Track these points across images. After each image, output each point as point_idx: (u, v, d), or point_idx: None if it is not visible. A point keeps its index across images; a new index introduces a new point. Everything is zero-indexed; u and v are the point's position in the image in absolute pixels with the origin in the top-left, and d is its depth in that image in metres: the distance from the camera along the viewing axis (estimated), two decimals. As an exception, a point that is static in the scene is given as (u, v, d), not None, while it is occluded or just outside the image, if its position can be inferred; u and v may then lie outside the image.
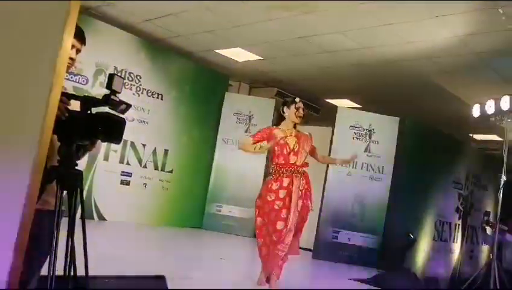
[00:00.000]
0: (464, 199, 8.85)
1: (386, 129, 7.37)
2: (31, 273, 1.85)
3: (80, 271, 1.84)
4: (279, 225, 4.05)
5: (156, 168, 7.56)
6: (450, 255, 8.86)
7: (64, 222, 1.75)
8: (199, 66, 8.31)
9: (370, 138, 7.34)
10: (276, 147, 4.20)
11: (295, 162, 4.16)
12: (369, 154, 7.31)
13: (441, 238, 8.49)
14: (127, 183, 7.18)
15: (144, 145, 7.36)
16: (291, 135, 4.24)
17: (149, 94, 7.41)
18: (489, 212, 8.01)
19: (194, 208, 8.13)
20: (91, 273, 1.88)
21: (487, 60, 6.12)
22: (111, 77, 1.80)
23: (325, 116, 8.98)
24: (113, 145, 6.79)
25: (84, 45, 2.06)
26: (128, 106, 1.88)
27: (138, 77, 7.23)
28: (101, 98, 1.82)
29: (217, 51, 7.65)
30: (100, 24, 6.66)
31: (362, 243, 7.14)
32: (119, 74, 6.35)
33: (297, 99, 4.33)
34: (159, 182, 7.61)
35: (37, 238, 1.53)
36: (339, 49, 6.65)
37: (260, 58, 7.64)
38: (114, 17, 6.75)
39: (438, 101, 8.39)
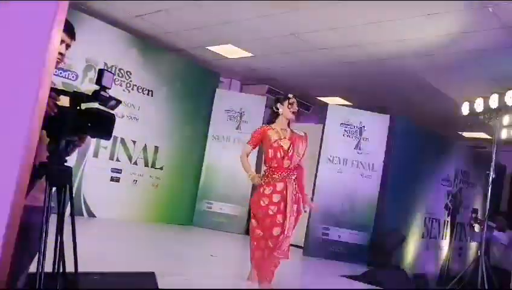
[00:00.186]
0: (453, 197, 8.94)
1: (376, 127, 7.41)
2: (19, 270, 1.83)
3: (69, 268, 1.83)
4: (276, 231, 3.98)
5: (147, 164, 7.54)
6: (438, 252, 8.96)
7: (53, 218, 1.74)
8: (190, 63, 8.29)
9: (360, 135, 7.37)
10: (269, 150, 4.13)
11: (289, 166, 4.10)
12: (360, 151, 7.34)
13: (430, 235, 8.57)
14: (117, 180, 7.14)
15: (134, 142, 7.32)
16: (285, 138, 4.16)
17: (139, 90, 7.37)
18: (477, 209, 8.10)
19: (184, 205, 8.12)
20: (80, 270, 1.87)
21: (477, 58, 6.16)
22: (101, 72, 1.79)
23: (315, 113, 8.99)
24: (103, 142, 6.75)
25: (74, 40, 2.03)
26: (118, 102, 1.87)
27: (128, 73, 7.19)
28: (90, 94, 1.81)
29: (208, 47, 7.63)
30: (90, 19, 6.60)
31: (352, 240, 7.18)
32: (109, 70, 6.30)
33: (290, 95, 4.27)
34: (149, 179, 7.58)
35: (26, 235, 1.51)
36: (330, 47, 6.67)
37: (251, 55, 7.63)
38: (104, 12, 6.70)
39: (427, 99, 8.44)
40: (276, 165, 4.11)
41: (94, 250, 4.14)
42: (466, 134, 10.35)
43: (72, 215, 1.85)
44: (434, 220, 8.60)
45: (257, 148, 4.51)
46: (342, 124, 7.37)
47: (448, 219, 8.93)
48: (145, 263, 4.38)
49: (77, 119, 1.77)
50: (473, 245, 9.69)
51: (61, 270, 1.79)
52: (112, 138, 5.81)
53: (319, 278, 5.94)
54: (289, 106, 4.20)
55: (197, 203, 8.24)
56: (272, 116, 4.31)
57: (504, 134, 6.38)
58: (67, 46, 2.00)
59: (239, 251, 6.70)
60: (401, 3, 4.96)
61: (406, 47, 6.22)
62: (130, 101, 7.18)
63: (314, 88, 9.04)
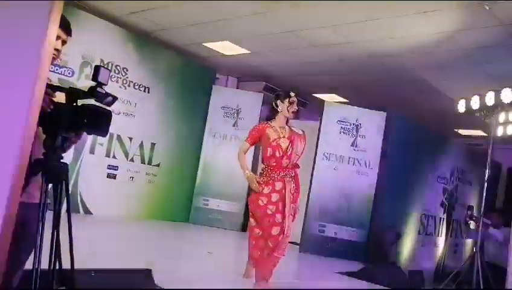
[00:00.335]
0: (449, 194, 8.97)
1: (372, 124, 7.42)
2: (15, 267, 1.83)
3: (65, 265, 1.83)
4: (275, 230, 3.95)
5: (143, 161, 7.52)
6: (434, 249, 8.99)
7: (49, 215, 1.74)
8: (187, 59, 8.27)
9: (357, 132, 7.38)
10: (268, 148, 4.08)
11: (287, 166, 4.07)
12: (356, 148, 7.35)
13: (426, 232, 8.60)
14: (114, 176, 7.13)
15: (130, 139, 7.30)
16: (284, 137, 4.10)
17: (136, 87, 7.35)
18: (473, 206, 8.13)
19: (181, 202, 8.11)
20: (76, 266, 1.87)
21: (473, 55, 6.17)
22: (97, 68, 1.78)
23: (312, 111, 8.99)
24: (100, 139, 6.73)
25: (70, 36, 2.02)
26: (115, 98, 1.86)
27: (125, 70, 7.17)
28: (86, 90, 1.80)
29: (204, 44, 7.61)
30: (87, 15, 6.57)
31: (349, 237, 7.20)
32: (105, 66, 6.28)
33: (291, 94, 4.15)
34: (146, 176, 7.57)
35: (22, 232, 1.51)
36: (326, 44, 6.66)
37: (248, 51, 7.61)
38: (101, 8, 6.67)
39: (424, 96, 8.46)
40: (274, 164, 4.07)
41: (90, 247, 4.13)
42: (462, 131, 10.38)
43: (68, 211, 1.84)
44: (430, 217, 8.63)
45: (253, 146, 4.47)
46: (338, 121, 7.38)
47: (444, 215, 8.97)
48: (142, 259, 4.37)
49: (73, 116, 1.76)
50: (469, 242, 9.73)
51: (57, 267, 1.78)
52: (108, 135, 5.80)
53: (316, 274, 5.95)
54: (289, 105, 4.12)
55: (194, 200, 8.23)
56: (271, 113, 4.23)
57: (500, 131, 6.39)
58: (63, 42, 1.99)
59: (236, 247, 6.71)
60: (398, 1, 4.96)
61: (402, 45, 6.22)
62: (126, 97, 7.16)
63: (310, 85, 9.04)
